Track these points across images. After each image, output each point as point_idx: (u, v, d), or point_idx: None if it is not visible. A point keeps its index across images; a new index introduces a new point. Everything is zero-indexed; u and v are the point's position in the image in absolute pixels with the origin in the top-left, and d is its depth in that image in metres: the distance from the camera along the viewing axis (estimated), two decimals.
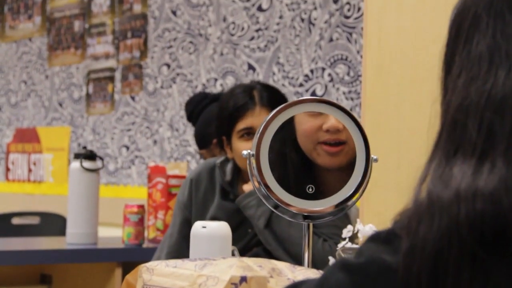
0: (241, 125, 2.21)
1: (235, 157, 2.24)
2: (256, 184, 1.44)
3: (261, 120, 2.19)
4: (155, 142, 4.11)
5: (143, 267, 1.18)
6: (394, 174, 1.95)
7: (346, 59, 3.27)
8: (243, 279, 1.08)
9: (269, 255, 2.14)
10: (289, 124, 1.45)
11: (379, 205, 1.97)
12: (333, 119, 1.54)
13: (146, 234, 3.03)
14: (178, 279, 1.13)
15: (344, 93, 3.25)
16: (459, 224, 0.78)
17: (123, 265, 2.85)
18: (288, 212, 1.47)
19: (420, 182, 0.85)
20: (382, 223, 1.89)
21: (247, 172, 2.21)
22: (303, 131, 1.57)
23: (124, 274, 2.86)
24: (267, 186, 1.41)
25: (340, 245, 1.77)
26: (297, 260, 1.99)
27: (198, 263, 1.15)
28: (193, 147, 3.91)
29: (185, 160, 3.93)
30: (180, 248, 2.31)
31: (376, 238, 0.84)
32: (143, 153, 4.17)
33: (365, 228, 1.79)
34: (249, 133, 2.20)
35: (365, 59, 2.01)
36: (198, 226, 1.64)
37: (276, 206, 1.57)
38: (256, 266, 1.12)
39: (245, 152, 1.42)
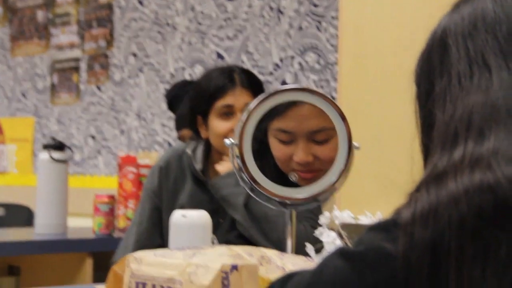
0: (221, 103, 2.20)
1: (211, 136, 2.23)
2: (240, 173, 1.43)
3: (241, 100, 2.19)
4: (122, 132, 4.08)
5: (130, 257, 1.18)
6: (370, 161, 1.96)
7: (316, 48, 3.27)
8: (234, 267, 1.07)
9: (241, 241, 2.14)
10: (272, 114, 1.45)
11: (356, 193, 1.98)
12: (302, 152, 1.55)
13: (116, 223, 3.01)
14: (167, 268, 1.12)
15: (314, 81, 3.26)
16: (457, 200, 0.79)
17: (94, 255, 2.83)
18: (271, 200, 1.47)
19: (416, 189, 0.85)
20: (359, 210, 1.90)
21: (220, 153, 2.21)
22: (276, 157, 1.57)
23: (96, 264, 2.84)
24: (250, 175, 1.41)
25: (317, 232, 1.78)
26: (269, 239, 1.99)
27: (187, 252, 1.14)
28: (161, 137, 3.89)
29: (153, 149, 3.91)
30: (150, 236, 2.29)
31: (375, 227, 0.85)
32: (110, 143, 4.14)
33: (342, 214, 1.80)
34: (228, 112, 2.20)
35: (341, 48, 2.02)
36: (178, 216, 1.63)
37: (254, 191, 1.56)
38: (246, 254, 1.12)
39: (228, 141, 1.42)
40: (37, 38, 4.56)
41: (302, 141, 1.61)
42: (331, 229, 1.80)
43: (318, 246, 1.67)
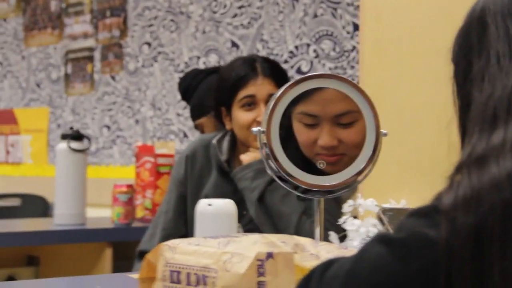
0: (243, 93, 2.20)
1: (235, 128, 2.22)
2: (267, 161, 1.43)
3: (263, 90, 2.18)
4: (137, 121, 4.08)
5: (164, 246, 1.18)
6: (394, 148, 1.95)
7: (331, 35, 3.27)
8: (270, 255, 1.07)
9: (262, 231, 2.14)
10: (296, 98, 1.44)
11: (378, 180, 1.97)
12: (327, 136, 1.54)
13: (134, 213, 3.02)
14: (202, 257, 1.12)
15: (330, 69, 3.25)
16: (500, 185, 0.78)
17: (114, 245, 2.84)
18: (298, 188, 1.47)
19: (455, 171, 0.85)
20: (381, 197, 1.89)
21: (245, 144, 2.21)
22: (300, 141, 1.57)
23: (115, 253, 2.85)
24: (278, 163, 1.40)
25: (341, 220, 1.78)
26: None
27: (221, 241, 1.14)
28: (176, 126, 3.89)
29: (168, 139, 3.92)
30: (176, 225, 2.30)
31: (416, 213, 0.84)
32: (125, 133, 4.15)
33: (366, 202, 1.79)
34: (250, 103, 2.19)
35: (362, 35, 2.01)
36: (204, 204, 1.64)
37: (283, 180, 1.55)
38: (280, 242, 1.12)
39: (255, 129, 1.42)
40: (51, 28, 4.57)
41: (327, 125, 1.59)
42: (354, 217, 1.80)
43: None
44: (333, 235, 1.79)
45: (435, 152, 1.86)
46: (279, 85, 2.17)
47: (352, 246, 1.68)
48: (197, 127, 2.94)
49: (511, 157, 0.80)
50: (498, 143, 0.82)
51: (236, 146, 2.27)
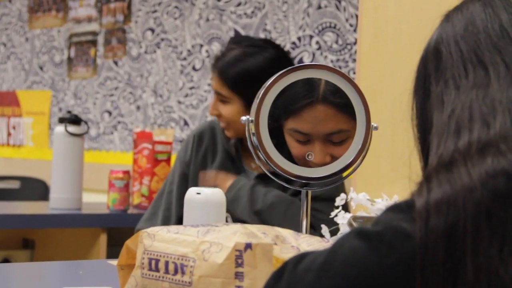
0: None
1: None
2: (256, 151, 1.42)
3: None
4: (138, 108, 4.07)
5: (144, 233, 1.16)
6: (388, 143, 1.93)
7: (334, 27, 3.24)
8: (248, 246, 1.06)
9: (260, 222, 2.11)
10: (289, 91, 1.43)
11: (371, 174, 1.96)
12: (319, 155, 1.51)
13: (130, 200, 3.01)
14: (180, 245, 1.11)
15: (332, 61, 3.23)
16: (473, 189, 0.78)
17: (108, 231, 2.83)
18: (287, 179, 1.46)
19: (425, 178, 0.85)
20: (374, 191, 1.88)
21: None
22: (292, 153, 1.54)
23: (109, 239, 2.84)
24: (266, 153, 1.39)
25: (333, 214, 1.76)
26: None
27: (201, 229, 1.13)
28: (177, 114, 3.88)
29: (169, 126, 3.90)
30: (179, 206, 2.25)
31: (394, 208, 0.84)
32: (126, 119, 4.13)
33: (358, 196, 1.78)
34: None
35: (361, 27, 1.99)
36: (192, 192, 1.62)
37: (275, 175, 1.52)
38: (260, 233, 1.11)
39: (243, 118, 1.40)
40: (55, 11, 4.55)
41: (318, 143, 1.56)
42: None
43: None
44: (324, 229, 1.77)
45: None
46: None
47: None
48: None
49: (480, 159, 0.80)
50: (464, 147, 0.82)
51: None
